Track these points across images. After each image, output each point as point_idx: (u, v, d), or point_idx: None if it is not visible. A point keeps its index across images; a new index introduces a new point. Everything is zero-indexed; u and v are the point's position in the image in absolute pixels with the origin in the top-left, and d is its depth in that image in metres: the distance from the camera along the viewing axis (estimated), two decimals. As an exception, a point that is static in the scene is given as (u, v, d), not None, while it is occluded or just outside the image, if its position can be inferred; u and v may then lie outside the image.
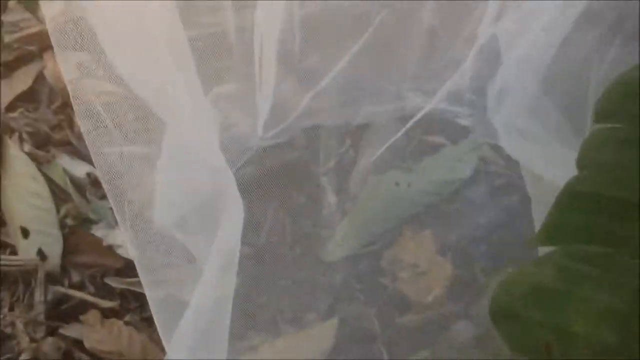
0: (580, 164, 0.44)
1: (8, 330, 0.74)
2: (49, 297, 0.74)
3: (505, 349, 0.74)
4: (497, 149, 0.80)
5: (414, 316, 0.74)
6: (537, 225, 0.67)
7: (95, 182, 0.84)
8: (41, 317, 0.73)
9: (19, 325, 0.73)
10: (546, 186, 0.62)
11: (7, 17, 0.94)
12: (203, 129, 0.64)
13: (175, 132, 0.64)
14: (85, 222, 0.82)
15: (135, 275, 0.61)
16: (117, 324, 0.73)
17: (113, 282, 0.77)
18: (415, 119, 0.72)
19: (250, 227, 0.78)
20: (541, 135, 0.59)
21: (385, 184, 0.78)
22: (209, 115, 0.66)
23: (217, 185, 0.64)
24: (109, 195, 0.61)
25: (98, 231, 0.81)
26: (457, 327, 0.74)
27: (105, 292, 0.77)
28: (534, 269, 0.42)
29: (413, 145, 0.80)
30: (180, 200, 0.66)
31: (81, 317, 0.74)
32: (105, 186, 0.62)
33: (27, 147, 0.87)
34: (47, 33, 0.50)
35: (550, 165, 0.61)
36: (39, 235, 0.79)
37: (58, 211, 0.83)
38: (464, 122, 0.79)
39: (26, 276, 0.76)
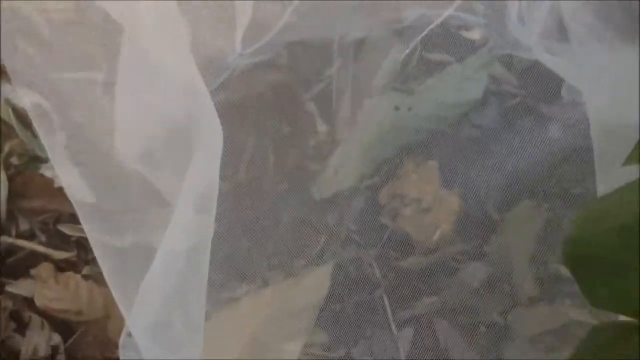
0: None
1: (-55, 288, 0.63)
2: (-7, 248, 0.64)
3: (524, 292, 0.66)
4: (508, 65, 0.69)
5: (419, 258, 0.65)
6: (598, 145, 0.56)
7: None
8: (-16, 272, 0.63)
9: (-42, 283, 0.62)
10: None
11: None
12: (171, 41, 0.53)
13: (137, 47, 0.53)
14: (33, 160, 0.71)
15: (93, 219, 0.50)
16: (73, 278, 0.63)
17: (68, 230, 0.66)
18: (433, 25, 0.61)
19: (228, 160, 0.67)
20: (600, 32, 0.49)
21: (383, 109, 0.67)
22: (178, 25, 0.55)
23: (190, 111, 0.53)
24: (40, 129, 0.50)
25: (48, 171, 0.69)
26: (468, 269, 0.65)
27: (59, 241, 0.67)
28: (631, 196, 0.32)
29: (413, 64, 0.69)
30: (145, 129, 0.55)
31: (32, 271, 0.63)
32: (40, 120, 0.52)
33: (-39, 75, 0.75)
34: None
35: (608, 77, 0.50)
36: (-21, 178, 0.68)
37: (1, 149, 0.71)
38: (474, 34, 0.68)
39: (-35, 225, 0.64)
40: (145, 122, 0.53)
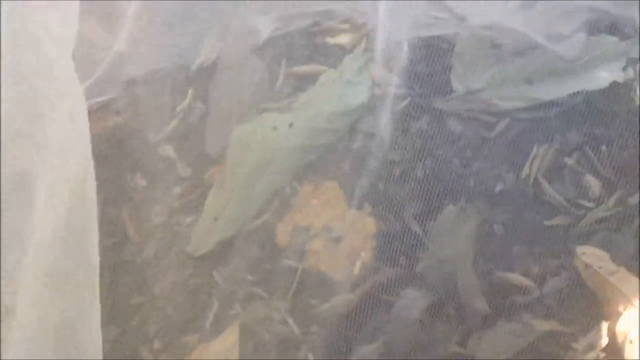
0: None
1: None
2: None
3: (476, 311, 0.53)
4: (387, 66, 0.60)
5: (342, 298, 0.51)
6: None
7: None
8: None
9: None
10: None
11: None
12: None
13: None
14: None
15: None
16: None
17: None
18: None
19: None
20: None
21: (259, 132, 0.55)
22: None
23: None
24: None
25: None
26: (404, 300, 0.51)
27: None
28: None
29: (281, 82, 0.58)
30: None
31: None
32: None
33: None
34: None
35: None
36: None
37: None
38: (341, 39, 0.59)
39: None
40: None
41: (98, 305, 0.43)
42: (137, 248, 0.53)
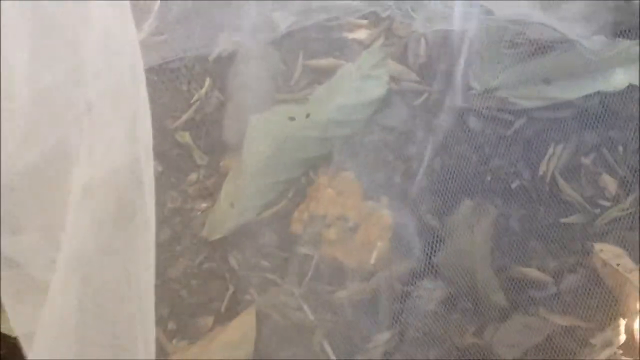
0: None
1: None
2: None
3: (492, 305, 0.52)
4: (404, 62, 0.60)
5: (358, 287, 0.50)
6: None
7: None
8: None
9: None
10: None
11: None
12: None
13: None
14: None
15: None
16: None
17: None
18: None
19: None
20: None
21: (275, 122, 0.55)
22: None
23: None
24: None
25: None
26: (420, 291, 0.51)
27: None
28: None
29: (298, 74, 0.58)
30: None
31: None
32: None
33: None
34: None
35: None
36: None
37: None
38: (359, 34, 0.59)
39: None
40: None
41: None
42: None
